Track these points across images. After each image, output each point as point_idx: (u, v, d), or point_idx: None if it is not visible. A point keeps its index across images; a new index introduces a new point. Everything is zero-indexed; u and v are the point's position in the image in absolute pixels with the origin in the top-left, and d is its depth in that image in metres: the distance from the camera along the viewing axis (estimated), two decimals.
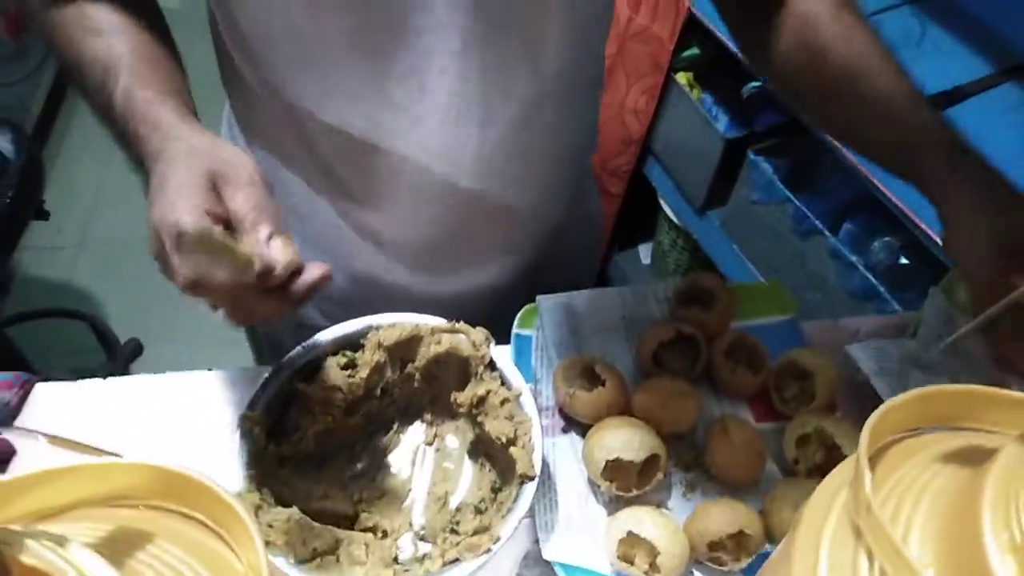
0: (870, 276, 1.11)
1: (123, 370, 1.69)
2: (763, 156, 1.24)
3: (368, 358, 0.55)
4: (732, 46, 1.19)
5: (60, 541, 0.25)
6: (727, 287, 0.67)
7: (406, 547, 0.54)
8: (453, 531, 0.52)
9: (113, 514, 0.32)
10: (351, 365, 0.55)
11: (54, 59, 2.20)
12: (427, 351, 0.56)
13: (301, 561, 0.46)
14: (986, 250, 0.49)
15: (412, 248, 0.67)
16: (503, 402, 0.54)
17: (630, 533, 0.52)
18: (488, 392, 0.54)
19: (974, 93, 1.06)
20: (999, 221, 0.49)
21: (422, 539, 0.54)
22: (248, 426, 0.50)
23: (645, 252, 1.78)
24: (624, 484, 0.56)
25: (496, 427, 0.53)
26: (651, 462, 0.56)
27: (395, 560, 0.51)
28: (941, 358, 0.63)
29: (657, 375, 0.63)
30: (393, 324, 0.56)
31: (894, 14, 1.18)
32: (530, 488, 0.50)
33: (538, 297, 0.68)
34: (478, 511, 0.52)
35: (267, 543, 0.46)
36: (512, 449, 0.51)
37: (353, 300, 0.71)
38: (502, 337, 0.59)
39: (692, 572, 0.55)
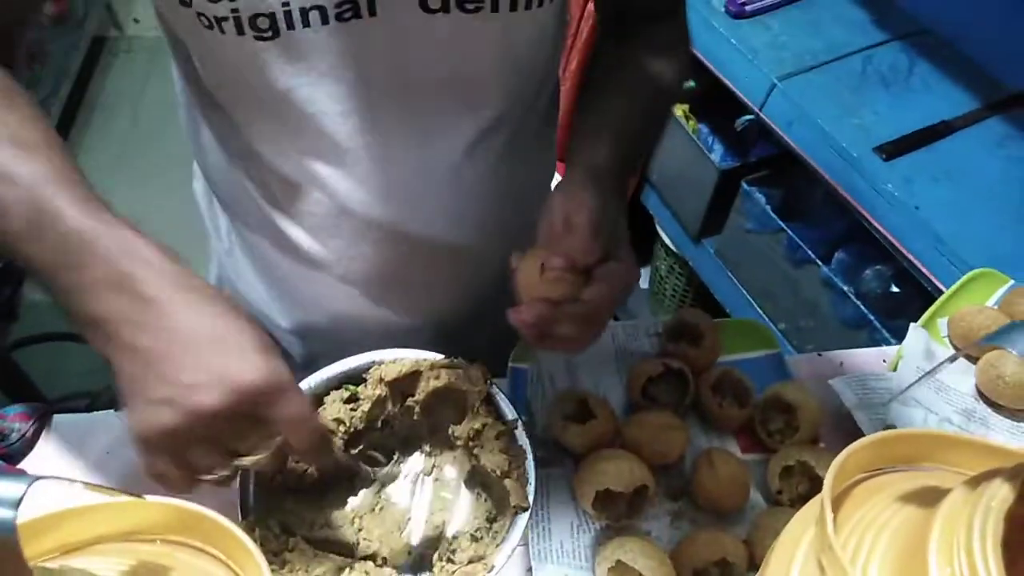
0: (861, 305, 1.13)
1: None
2: (757, 186, 1.27)
3: (370, 392, 0.57)
4: (726, 80, 1.23)
5: None
6: (714, 323, 0.70)
7: (404, 575, 0.56)
8: (450, 560, 0.54)
9: (133, 548, 0.34)
10: (353, 399, 0.58)
11: (66, 88, 2.25)
12: (427, 385, 0.58)
13: None
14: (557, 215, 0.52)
15: (367, 285, 0.69)
16: (498, 435, 0.56)
17: (619, 562, 0.54)
18: (484, 425, 0.56)
19: (961, 127, 1.09)
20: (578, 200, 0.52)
21: (420, 567, 0.56)
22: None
23: (643, 278, 1.81)
24: (614, 514, 0.58)
25: (491, 459, 0.55)
26: (640, 492, 0.58)
27: None
28: (920, 392, 0.66)
29: (646, 408, 0.65)
30: (395, 360, 0.58)
31: (884, 49, 1.22)
32: (523, 519, 0.52)
33: None
34: (474, 539, 0.54)
35: (272, 570, 0.48)
36: (507, 481, 0.54)
37: (332, 337, 0.74)
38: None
39: None
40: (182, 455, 0.37)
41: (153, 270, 0.39)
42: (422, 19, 0.52)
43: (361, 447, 0.59)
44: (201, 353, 0.37)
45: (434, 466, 0.61)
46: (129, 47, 2.72)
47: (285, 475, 0.55)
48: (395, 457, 0.61)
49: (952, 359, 0.60)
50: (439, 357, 0.58)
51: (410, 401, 0.59)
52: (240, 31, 0.49)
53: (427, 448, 0.61)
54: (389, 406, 0.59)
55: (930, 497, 0.33)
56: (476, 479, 0.59)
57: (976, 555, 0.27)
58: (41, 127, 0.44)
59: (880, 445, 0.36)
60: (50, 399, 1.49)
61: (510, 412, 0.57)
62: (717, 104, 1.37)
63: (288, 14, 0.49)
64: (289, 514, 0.54)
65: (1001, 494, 0.28)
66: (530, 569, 0.57)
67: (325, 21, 0.50)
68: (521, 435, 0.56)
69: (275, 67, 0.52)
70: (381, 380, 0.58)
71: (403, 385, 0.59)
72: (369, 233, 0.64)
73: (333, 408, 0.56)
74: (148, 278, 0.38)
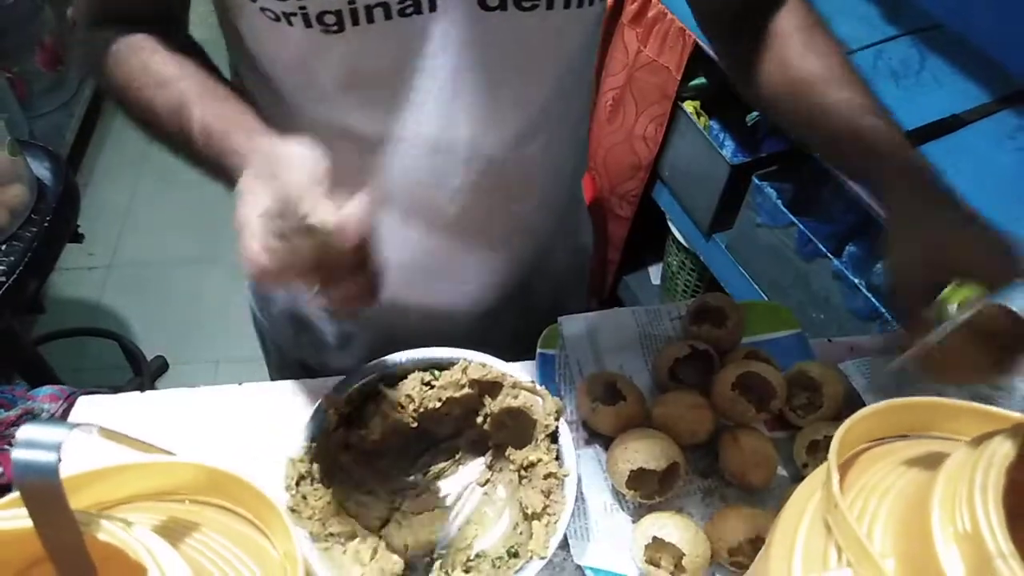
0: (872, 297, 1.13)
1: (150, 386, 1.74)
2: (768, 182, 1.28)
3: (449, 379, 0.59)
4: None
5: (127, 523, 0.29)
6: (737, 305, 0.71)
7: (419, 570, 0.56)
8: (466, 571, 0.54)
9: (164, 506, 0.36)
10: (431, 384, 0.59)
11: (89, 88, 2.29)
12: (503, 400, 0.58)
13: (315, 538, 0.50)
14: (919, 257, 0.51)
15: (405, 268, 0.70)
16: (547, 476, 0.55)
17: (655, 538, 0.55)
18: (539, 461, 0.56)
19: (971, 121, 1.09)
20: (932, 233, 0.51)
21: (429, 568, 0.56)
22: (326, 405, 0.55)
23: (655, 273, 1.81)
24: (647, 492, 0.59)
25: (530, 497, 0.55)
26: (671, 470, 0.59)
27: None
28: (928, 374, 0.66)
29: (673, 389, 0.66)
30: (484, 364, 0.60)
31: (895, 44, 1.22)
32: (535, 566, 0.51)
33: (560, 318, 0.72)
34: (494, 565, 0.54)
35: (293, 511, 0.50)
36: (535, 523, 0.54)
37: (367, 323, 0.76)
38: (495, 355, 0.61)
39: (713, 575, 0.57)
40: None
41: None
42: (480, 16, 0.54)
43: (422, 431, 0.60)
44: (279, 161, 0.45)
45: (488, 480, 0.61)
46: None
47: (350, 431, 0.57)
48: (457, 456, 0.62)
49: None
50: (525, 377, 0.59)
51: (485, 409, 0.60)
52: (308, 25, 0.52)
53: (488, 460, 0.62)
54: (460, 402, 0.60)
55: (933, 461, 0.34)
56: (519, 509, 0.59)
57: (978, 508, 0.28)
58: (197, 60, 0.57)
59: (885, 414, 0.37)
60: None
61: (569, 459, 0.56)
62: (728, 100, 1.37)
63: (353, 11, 0.52)
64: (340, 469, 0.56)
65: (1002, 451, 0.29)
66: (567, 546, 0.58)
67: (388, 16, 0.53)
68: (571, 486, 0.55)
69: (338, 59, 0.55)
70: (464, 372, 0.59)
71: (483, 389, 0.60)
72: (414, 219, 0.66)
73: (410, 384, 0.59)
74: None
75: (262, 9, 0.52)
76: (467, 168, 0.62)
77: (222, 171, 0.52)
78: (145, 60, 0.56)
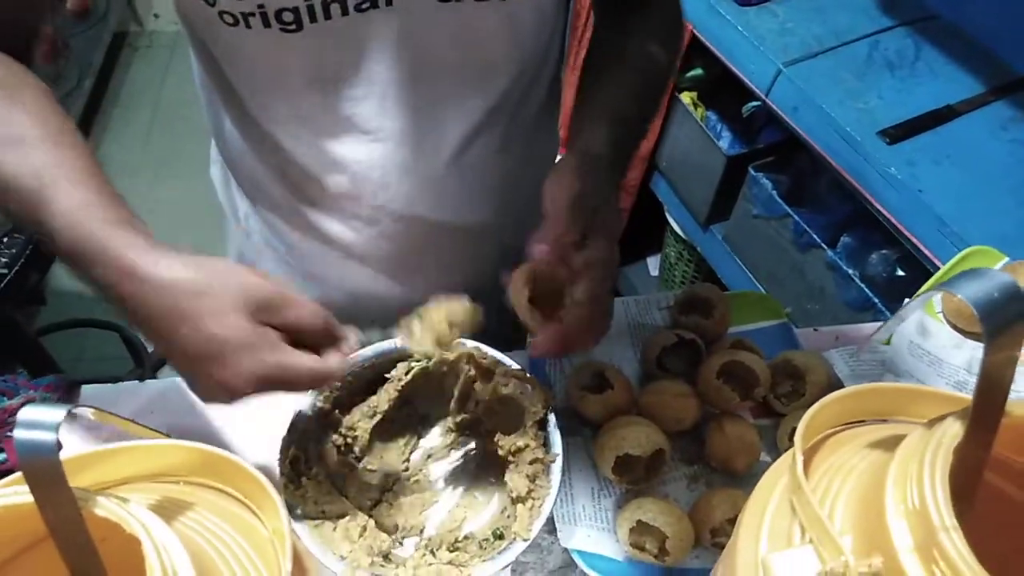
0: (866, 288, 1.15)
1: (151, 376, 1.76)
2: (764, 173, 1.29)
3: (442, 360, 0.60)
4: (733, 67, 1.24)
5: (124, 500, 0.31)
6: (724, 296, 0.72)
7: (409, 549, 0.57)
8: (452, 551, 0.55)
9: (159, 487, 0.38)
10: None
11: (89, 81, 2.31)
12: (495, 389, 0.60)
13: (306, 516, 0.51)
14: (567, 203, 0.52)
15: (383, 263, 0.72)
16: (533, 461, 0.56)
17: (639, 522, 0.56)
18: (526, 447, 0.58)
19: (965, 111, 1.10)
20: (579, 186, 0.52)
21: (425, 546, 0.57)
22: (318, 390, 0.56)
23: (653, 264, 1.83)
24: (632, 478, 0.61)
25: (516, 480, 0.56)
26: (657, 457, 0.60)
27: (383, 556, 0.54)
28: (913, 365, 0.68)
29: (660, 377, 0.68)
30: (479, 349, 0.61)
31: (890, 35, 1.23)
32: (518, 547, 0.53)
33: None
34: (480, 546, 0.56)
35: (287, 489, 0.51)
36: (519, 506, 0.55)
37: (350, 316, 0.77)
38: (493, 343, 0.62)
39: (697, 557, 0.59)
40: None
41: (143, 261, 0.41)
42: (435, 8, 0.55)
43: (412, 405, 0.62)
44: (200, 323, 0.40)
45: (478, 465, 0.63)
46: (150, 42, 2.78)
47: (343, 414, 0.59)
48: (449, 441, 0.63)
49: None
50: (516, 366, 0.60)
51: (476, 395, 0.61)
52: (266, 24, 0.53)
53: (478, 446, 0.63)
54: (454, 375, 0.61)
55: (894, 443, 0.35)
56: (506, 493, 0.60)
57: (926, 485, 0.29)
58: (41, 119, 0.47)
59: (851, 399, 0.39)
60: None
61: (556, 447, 0.57)
62: (725, 91, 1.38)
63: (311, 8, 0.52)
64: (332, 449, 0.57)
65: (951, 431, 0.31)
66: (554, 530, 0.59)
67: (345, 12, 0.53)
68: (555, 472, 0.56)
69: (296, 57, 0.56)
70: (467, 359, 0.60)
71: (477, 374, 0.61)
72: (385, 213, 0.67)
73: (403, 368, 0.60)
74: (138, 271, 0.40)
75: (220, 14, 0.52)
76: (435, 157, 0.64)
77: (101, 290, 0.42)
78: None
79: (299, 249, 0.74)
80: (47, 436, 0.28)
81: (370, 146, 0.62)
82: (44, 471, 0.28)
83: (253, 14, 0.52)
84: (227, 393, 0.40)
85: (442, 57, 0.58)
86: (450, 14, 0.56)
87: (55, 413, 0.28)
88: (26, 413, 0.28)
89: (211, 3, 0.52)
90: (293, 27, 0.53)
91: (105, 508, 0.30)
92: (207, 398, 0.42)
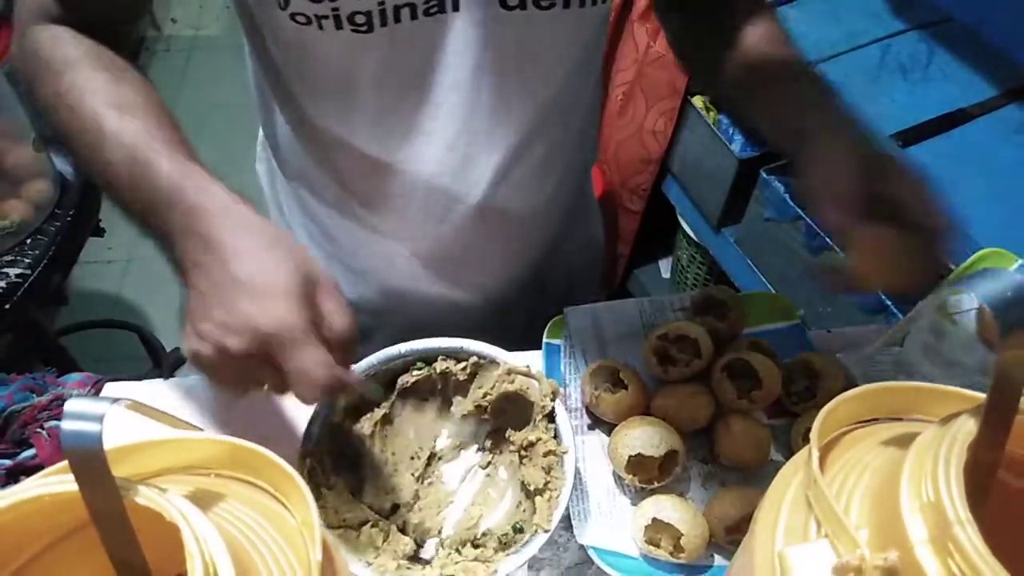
0: (878, 291, 1.15)
1: (169, 376, 1.78)
2: (775, 175, 1.29)
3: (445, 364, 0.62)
4: None
5: (163, 490, 0.32)
6: (738, 297, 0.73)
7: (430, 549, 0.59)
8: (476, 548, 0.57)
9: (192, 479, 0.39)
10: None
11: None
12: (499, 387, 0.61)
13: (329, 526, 0.53)
14: (843, 168, 0.52)
15: (428, 259, 0.74)
16: (547, 454, 0.58)
17: (655, 520, 0.57)
18: (538, 440, 0.59)
19: (977, 115, 1.10)
20: (856, 145, 0.53)
21: (448, 545, 0.58)
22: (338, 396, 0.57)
23: (665, 267, 1.83)
24: (646, 477, 0.62)
25: (531, 474, 0.57)
26: (670, 457, 0.61)
27: (411, 558, 0.56)
28: (927, 368, 0.68)
29: (672, 380, 0.67)
30: (480, 353, 0.62)
31: (903, 38, 1.23)
32: (540, 539, 0.53)
33: (565, 309, 0.75)
34: (500, 541, 0.56)
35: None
36: (538, 499, 0.56)
37: (385, 311, 0.79)
38: (511, 345, 0.64)
39: (712, 555, 0.60)
40: (225, 373, 0.44)
41: (221, 215, 0.45)
42: (500, 15, 0.57)
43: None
44: (238, 298, 0.43)
45: (490, 463, 0.64)
46: (167, 47, 2.81)
47: (358, 421, 0.60)
48: (459, 442, 0.64)
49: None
50: (518, 363, 0.61)
51: (482, 393, 0.62)
52: (339, 27, 0.54)
53: (488, 444, 0.64)
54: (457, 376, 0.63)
55: (909, 440, 0.36)
56: (521, 488, 0.61)
57: (940, 479, 0.30)
58: (144, 93, 0.54)
59: (866, 397, 0.39)
60: None
61: (567, 438, 0.58)
62: None
63: (383, 11, 0.54)
64: (347, 457, 0.58)
65: (966, 428, 0.31)
66: (570, 527, 0.60)
67: (414, 16, 0.55)
68: (570, 463, 0.57)
69: (364, 58, 0.58)
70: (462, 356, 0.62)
71: (481, 372, 0.62)
72: (434, 212, 0.69)
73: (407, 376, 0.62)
74: (215, 223, 0.45)
75: (292, 15, 0.54)
76: (486, 160, 0.65)
77: (170, 244, 0.48)
78: (93, 74, 0.53)
79: (346, 247, 0.76)
80: (93, 427, 0.29)
81: (429, 144, 0.64)
82: (89, 461, 0.30)
83: (327, 16, 0.54)
84: (233, 335, 0.42)
85: (504, 61, 0.60)
86: (513, 21, 0.57)
87: (101, 405, 0.30)
88: (73, 405, 0.30)
89: (283, 6, 0.54)
90: (364, 28, 0.55)
91: (146, 497, 0.31)
92: (200, 341, 0.44)
